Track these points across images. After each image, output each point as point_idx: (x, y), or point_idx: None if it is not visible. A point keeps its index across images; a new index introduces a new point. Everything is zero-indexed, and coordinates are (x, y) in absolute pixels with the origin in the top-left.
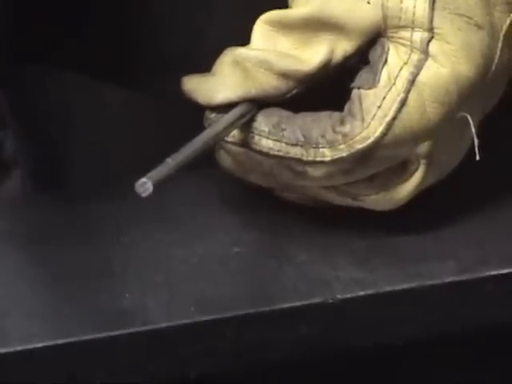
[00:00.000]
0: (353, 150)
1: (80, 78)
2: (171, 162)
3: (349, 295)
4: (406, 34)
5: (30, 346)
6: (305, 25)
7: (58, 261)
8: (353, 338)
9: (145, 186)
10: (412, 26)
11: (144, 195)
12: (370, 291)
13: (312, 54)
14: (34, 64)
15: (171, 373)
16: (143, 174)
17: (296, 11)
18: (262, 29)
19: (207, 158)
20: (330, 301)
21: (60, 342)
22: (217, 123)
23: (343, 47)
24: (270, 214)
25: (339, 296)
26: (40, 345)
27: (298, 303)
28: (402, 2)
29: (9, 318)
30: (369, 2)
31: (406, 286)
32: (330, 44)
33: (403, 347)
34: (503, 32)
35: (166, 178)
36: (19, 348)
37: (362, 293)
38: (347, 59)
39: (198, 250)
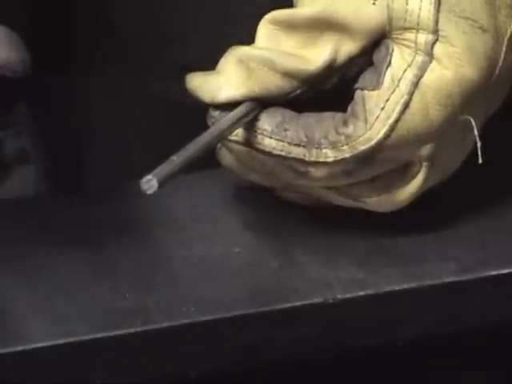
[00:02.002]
0: (355, 152)
1: (96, 80)
2: (176, 160)
3: (349, 295)
4: (410, 35)
5: (30, 346)
6: (309, 24)
7: (59, 261)
8: (353, 338)
9: (150, 183)
10: (417, 27)
11: (149, 192)
12: (370, 291)
13: (316, 54)
14: (53, 71)
15: (171, 373)
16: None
17: (301, 11)
18: (266, 28)
19: (208, 158)
20: (330, 301)
21: (60, 342)
22: (221, 122)
23: (348, 48)
24: (271, 214)
25: (339, 296)
26: (40, 345)
27: (297, 303)
28: (407, 3)
29: (9, 318)
30: (374, 3)
31: (406, 286)
32: (334, 44)
33: (403, 347)
34: (508, 35)
35: (170, 176)
36: (19, 348)
37: (361, 293)
38: (351, 60)
39: (199, 251)
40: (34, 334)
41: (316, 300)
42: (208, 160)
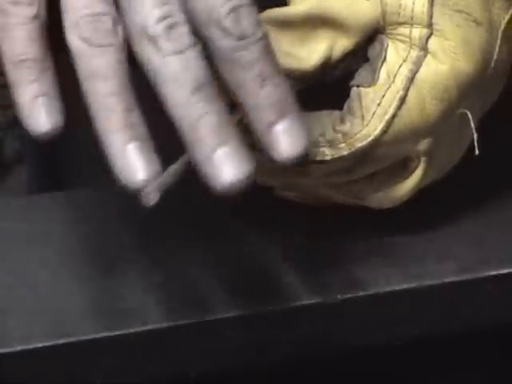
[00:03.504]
0: (353, 149)
1: None
2: (176, 168)
3: (349, 295)
4: (404, 30)
5: (30, 346)
6: (303, 21)
7: (59, 261)
8: (353, 338)
9: (150, 195)
10: (411, 22)
11: (150, 205)
12: (370, 291)
13: (311, 52)
14: None
15: (171, 373)
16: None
17: (294, 8)
18: None
19: None
20: (330, 301)
21: (60, 342)
22: None
23: (342, 43)
24: (271, 214)
25: (339, 296)
26: (40, 345)
27: (298, 303)
28: None
29: (9, 318)
30: None
31: (405, 286)
32: (328, 41)
33: (403, 347)
34: (502, 28)
35: (171, 185)
36: (19, 348)
37: (361, 293)
38: (346, 55)
39: (198, 250)
40: (34, 334)
41: (316, 300)
42: None
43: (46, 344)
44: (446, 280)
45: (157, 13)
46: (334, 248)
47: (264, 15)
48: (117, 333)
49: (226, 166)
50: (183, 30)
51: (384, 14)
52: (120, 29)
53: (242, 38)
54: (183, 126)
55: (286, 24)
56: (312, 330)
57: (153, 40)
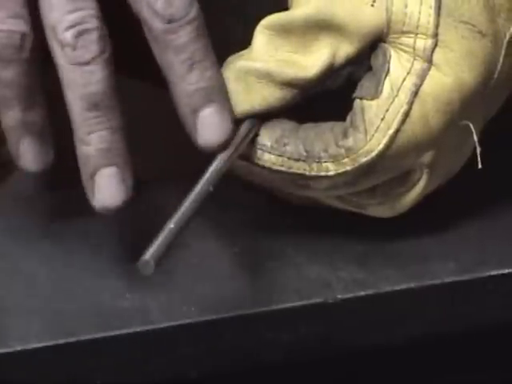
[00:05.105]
0: (357, 164)
1: None
2: (173, 228)
3: (349, 295)
4: (408, 40)
5: (30, 346)
6: (305, 26)
7: (59, 260)
8: (353, 338)
9: (147, 264)
10: (416, 32)
11: (147, 274)
12: (370, 291)
13: (314, 60)
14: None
15: (171, 373)
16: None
17: (295, 12)
18: (262, 34)
19: (207, 162)
20: (330, 301)
21: (60, 341)
22: (218, 159)
23: (345, 50)
24: (270, 214)
25: (339, 296)
26: (40, 345)
27: (298, 303)
28: (406, 6)
29: (9, 318)
30: (373, 5)
31: (405, 286)
32: (331, 47)
33: (403, 347)
34: (507, 39)
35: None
36: (19, 348)
37: (362, 293)
38: (349, 62)
39: (198, 250)
40: (34, 334)
41: (316, 300)
42: (207, 163)
43: (46, 344)
44: (446, 280)
45: (68, 18)
46: (334, 248)
47: (266, 21)
48: (117, 333)
49: (104, 190)
50: (93, 37)
51: (389, 21)
52: (28, 43)
53: (172, 20)
54: (75, 140)
55: (287, 30)
56: (312, 330)
57: (61, 45)
